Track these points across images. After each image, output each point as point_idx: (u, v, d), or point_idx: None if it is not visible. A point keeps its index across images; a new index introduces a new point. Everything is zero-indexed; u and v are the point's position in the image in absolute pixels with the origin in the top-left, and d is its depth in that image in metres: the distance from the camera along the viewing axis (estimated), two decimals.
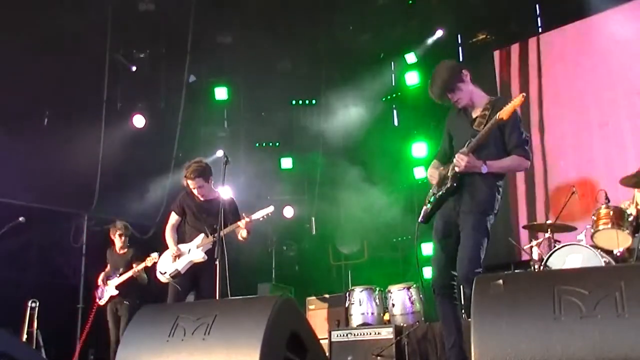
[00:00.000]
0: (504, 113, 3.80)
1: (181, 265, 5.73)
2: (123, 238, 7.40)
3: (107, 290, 7.22)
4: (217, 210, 5.35)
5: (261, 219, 5.64)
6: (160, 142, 10.15)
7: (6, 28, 8.07)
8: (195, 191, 5.74)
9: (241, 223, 5.47)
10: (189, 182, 5.69)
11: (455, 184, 3.97)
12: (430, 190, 4.25)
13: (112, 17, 9.34)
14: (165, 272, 5.84)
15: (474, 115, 4.09)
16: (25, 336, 7.13)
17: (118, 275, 7.20)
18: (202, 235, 5.70)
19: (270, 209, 5.58)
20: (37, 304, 7.30)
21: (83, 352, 8.21)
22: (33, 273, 8.93)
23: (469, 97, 4.17)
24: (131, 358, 3.04)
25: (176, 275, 5.72)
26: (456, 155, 3.93)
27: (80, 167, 8.93)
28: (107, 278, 7.30)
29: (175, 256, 5.78)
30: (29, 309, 7.30)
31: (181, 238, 5.94)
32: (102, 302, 7.26)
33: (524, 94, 3.86)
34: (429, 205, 4.17)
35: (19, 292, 7.91)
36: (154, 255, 6.90)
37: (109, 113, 9.59)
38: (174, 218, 5.98)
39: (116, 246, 7.45)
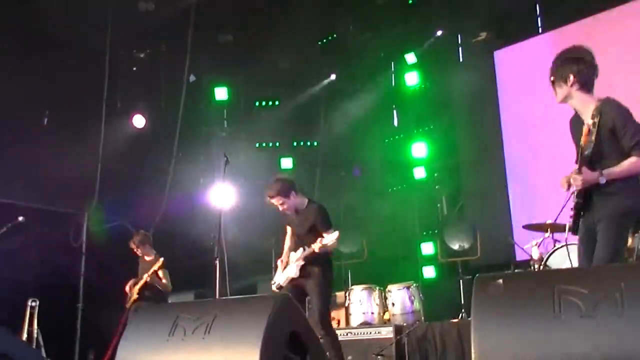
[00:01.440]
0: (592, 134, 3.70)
1: (282, 279, 5.66)
2: (141, 247, 7.55)
3: (132, 294, 7.41)
4: (304, 222, 5.49)
5: (329, 244, 5.49)
6: (160, 142, 10.14)
7: (6, 28, 8.07)
8: (280, 209, 5.65)
9: (315, 246, 5.37)
10: (272, 202, 5.62)
11: (581, 200, 3.85)
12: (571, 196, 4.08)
13: (112, 16, 9.34)
14: (275, 283, 5.81)
15: (584, 124, 3.84)
16: (25, 335, 7.12)
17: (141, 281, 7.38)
18: (300, 249, 5.57)
19: (335, 234, 5.42)
20: (37, 303, 7.29)
21: (82, 352, 8.22)
22: (33, 273, 8.92)
23: (580, 103, 3.97)
24: (131, 357, 3.04)
25: (279, 288, 5.67)
26: (572, 176, 3.80)
27: (80, 167, 8.92)
28: (135, 285, 7.44)
29: (283, 267, 5.72)
30: (28, 308, 7.29)
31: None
32: (127, 306, 7.44)
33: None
34: (571, 220, 4.04)
35: (18, 292, 7.91)
36: (159, 261, 7.17)
37: (109, 113, 9.58)
38: (288, 231, 5.91)
39: (143, 255, 7.62)
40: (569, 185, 3.89)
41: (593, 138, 3.69)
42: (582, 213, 3.90)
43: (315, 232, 5.46)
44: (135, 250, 7.58)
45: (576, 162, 3.90)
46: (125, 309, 7.45)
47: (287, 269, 5.60)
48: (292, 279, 5.53)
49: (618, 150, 3.72)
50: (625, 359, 2.35)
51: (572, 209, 3.96)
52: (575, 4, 8.82)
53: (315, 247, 5.30)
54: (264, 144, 11.32)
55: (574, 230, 3.99)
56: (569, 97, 3.95)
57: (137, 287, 7.34)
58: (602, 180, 3.66)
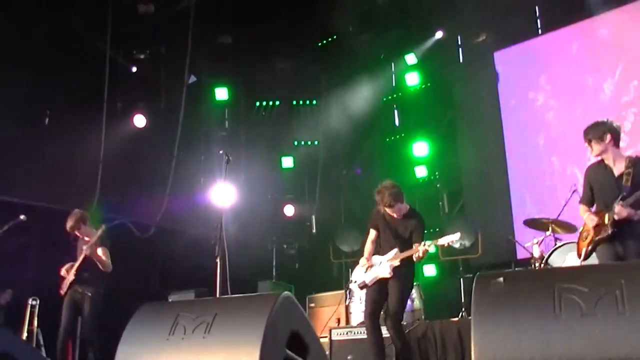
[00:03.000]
0: None
1: (369, 277, 5.76)
2: (82, 227, 6.64)
3: (69, 277, 6.55)
4: (407, 228, 5.68)
5: (446, 245, 5.74)
6: (161, 141, 10.14)
7: (7, 28, 8.08)
8: (394, 214, 5.78)
9: (421, 248, 5.52)
10: (387, 210, 5.76)
11: (615, 229, 4.68)
12: (585, 232, 5.04)
13: (112, 17, 9.34)
14: (356, 282, 5.99)
15: (616, 172, 4.79)
16: (25, 334, 7.11)
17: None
18: (395, 250, 5.69)
19: (457, 236, 5.64)
20: (38, 302, 7.27)
21: (82, 351, 8.21)
22: (33, 272, 8.93)
23: (612, 155, 4.86)
24: (131, 356, 3.03)
25: (363, 286, 5.79)
26: (617, 206, 4.64)
27: (81, 166, 8.93)
28: (72, 267, 6.60)
29: (367, 267, 5.83)
30: (29, 307, 7.27)
31: (377, 251, 5.93)
32: (62, 292, 6.58)
33: None
34: (589, 246, 4.93)
35: (19, 291, 7.92)
36: (102, 227, 6.42)
37: (109, 113, 9.58)
38: (372, 234, 5.98)
39: (79, 237, 6.75)
40: (600, 222, 4.79)
41: (629, 184, 4.64)
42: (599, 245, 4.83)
43: (410, 239, 5.67)
44: (75, 233, 6.68)
45: (580, 202, 5.05)
46: (60, 295, 6.61)
47: (377, 269, 5.73)
48: (381, 279, 5.67)
49: None
50: (626, 357, 2.35)
51: (596, 239, 4.83)
52: (574, 6, 8.82)
53: (421, 249, 5.50)
54: (264, 143, 11.32)
55: (586, 257, 4.94)
56: (604, 152, 4.85)
57: (75, 267, 6.47)
58: (637, 217, 4.63)
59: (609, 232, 4.70)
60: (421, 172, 10.58)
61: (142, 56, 10.22)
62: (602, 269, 3.10)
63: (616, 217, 4.66)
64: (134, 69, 10.18)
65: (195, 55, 10.06)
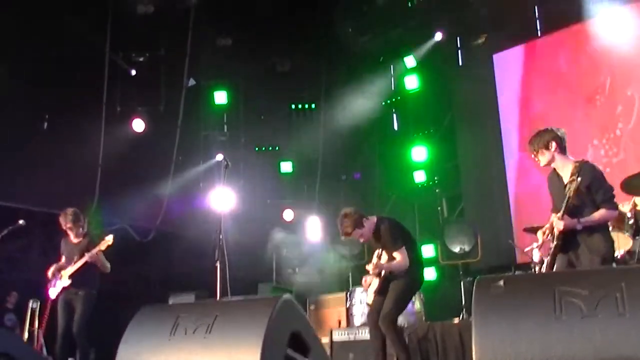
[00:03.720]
0: (572, 191, 4.44)
1: (369, 296, 5.81)
2: (75, 228, 6.55)
3: (60, 281, 6.43)
4: (381, 241, 5.62)
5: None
6: (160, 145, 10.14)
7: (6, 31, 8.09)
8: (361, 239, 5.82)
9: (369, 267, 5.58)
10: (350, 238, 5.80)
11: (559, 242, 4.59)
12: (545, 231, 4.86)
13: (111, 20, 9.35)
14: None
15: (564, 179, 4.63)
16: (26, 335, 7.12)
17: (73, 264, 6.42)
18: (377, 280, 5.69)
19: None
20: (39, 304, 7.28)
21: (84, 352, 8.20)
22: (34, 274, 8.94)
23: (561, 163, 4.71)
24: (132, 356, 3.03)
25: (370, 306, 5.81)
26: (554, 220, 4.58)
27: (80, 170, 8.93)
28: (60, 270, 6.49)
29: (368, 284, 5.83)
30: (30, 309, 7.28)
31: None
32: (53, 295, 6.47)
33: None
34: (549, 259, 4.77)
35: (20, 293, 7.92)
36: (109, 237, 6.31)
37: (108, 117, 9.58)
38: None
39: (70, 236, 6.66)
40: (550, 231, 4.69)
41: (571, 193, 4.47)
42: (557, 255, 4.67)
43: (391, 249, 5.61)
44: (66, 228, 6.57)
45: (552, 211, 4.78)
46: (49, 298, 6.53)
47: (372, 286, 5.74)
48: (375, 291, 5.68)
49: (591, 203, 4.54)
50: (627, 358, 2.35)
51: (552, 249, 4.70)
52: (573, 8, 8.83)
53: (370, 267, 5.55)
54: (263, 148, 11.32)
55: (551, 266, 4.76)
56: (552, 160, 4.71)
57: (70, 271, 6.36)
58: (579, 227, 4.50)
59: (554, 244, 4.62)
60: (420, 177, 10.58)
61: (141, 59, 10.22)
62: (602, 272, 3.10)
63: (556, 232, 4.59)
64: (133, 72, 10.18)
65: (194, 58, 10.07)
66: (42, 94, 8.68)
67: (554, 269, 4.67)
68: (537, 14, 9.76)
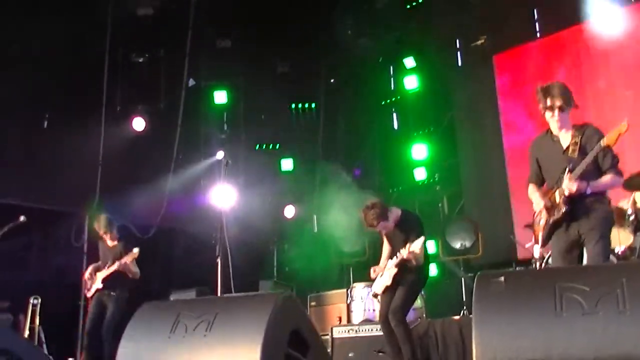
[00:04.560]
0: (610, 140, 4.05)
1: (377, 287, 5.87)
2: (109, 233, 7.13)
3: (95, 283, 6.95)
4: (402, 233, 5.65)
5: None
6: (160, 144, 10.14)
7: (6, 31, 8.08)
8: (383, 231, 5.86)
9: (402, 252, 5.57)
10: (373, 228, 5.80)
11: (568, 207, 4.20)
12: (538, 216, 4.54)
13: (111, 20, 9.34)
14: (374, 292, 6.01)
15: (563, 143, 4.29)
16: (27, 332, 7.14)
17: (106, 268, 6.96)
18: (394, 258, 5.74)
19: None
20: (39, 300, 7.30)
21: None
22: (35, 272, 8.95)
23: (566, 121, 4.32)
24: (132, 354, 3.03)
25: (375, 296, 5.91)
26: (565, 181, 4.15)
27: (80, 168, 8.93)
28: (97, 271, 7.05)
29: (377, 274, 5.90)
30: (30, 305, 7.30)
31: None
32: (89, 295, 7.03)
33: (627, 120, 4.04)
34: (544, 231, 4.42)
35: (21, 290, 7.92)
36: (135, 250, 6.83)
37: (108, 116, 9.58)
38: (385, 243, 6.06)
39: (106, 240, 7.22)
40: (550, 206, 4.33)
41: (576, 155, 4.18)
42: (558, 226, 4.32)
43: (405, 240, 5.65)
44: (102, 234, 7.17)
45: (528, 180, 4.61)
46: (86, 297, 7.04)
47: (382, 278, 5.79)
48: (387, 287, 5.72)
49: (596, 169, 4.24)
50: (628, 355, 2.35)
51: (544, 218, 4.39)
52: (572, 9, 8.82)
53: (404, 252, 5.50)
54: (264, 146, 11.31)
55: (545, 243, 4.45)
56: (563, 120, 4.30)
57: (104, 274, 6.91)
58: (589, 191, 4.15)
59: (563, 210, 4.22)
60: (420, 174, 10.58)
61: (141, 59, 10.21)
62: (603, 269, 3.10)
63: (566, 193, 4.17)
64: (133, 72, 10.17)
65: (194, 58, 10.06)
66: (43, 93, 8.67)
67: (553, 251, 4.41)
68: (536, 15, 9.75)
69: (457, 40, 10.74)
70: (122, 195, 9.02)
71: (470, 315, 2.99)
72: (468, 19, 10.04)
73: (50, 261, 7.32)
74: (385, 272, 5.78)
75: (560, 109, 4.22)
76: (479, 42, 10.31)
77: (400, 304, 5.54)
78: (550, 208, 4.34)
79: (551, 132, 4.37)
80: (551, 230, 4.36)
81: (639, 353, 2.34)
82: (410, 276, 5.65)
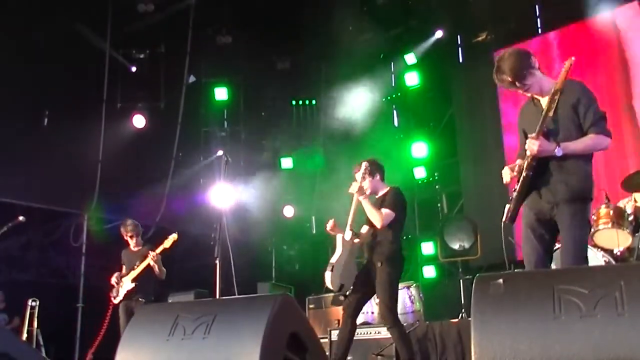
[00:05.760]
0: (559, 83, 3.59)
1: (337, 250, 5.58)
2: (135, 237, 7.19)
3: (123, 287, 6.93)
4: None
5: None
6: (160, 142, 10.15)
7: (7, 29, 8.08)
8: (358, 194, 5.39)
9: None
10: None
11: (531, 172, 3.67)
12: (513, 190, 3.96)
13: (112, 17, 9.34)
14: None
15: (544, 105, 3.71)
16: (25, 335, 7.13)
17: (135, 268, 6.93)
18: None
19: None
20: (37, 303, 7.29)
21: (82, 352, 8.22)
22: (33, 272, 8.94)
23: (539, 85, 3.81)
24: (131, 357, 3.03)
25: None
26: (527, 141, 3.63)
27: (80, 167, 8.93)
28: (122, 278, 7.02)
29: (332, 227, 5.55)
30: (29, 308, 7.29)
31: None
32: (116, 301, 6.98)
33: (573, 58, 3.61)
34: (511, 204, 3.89)
35: (19, 291, 7.92)
36: (174, 235, 6.81)
37: (108, 113, 9.58)
38: None
39: (130, 245, 7.25)
40: (518, 175, 3.78)
41: (551, 113, 3.60)
42: (525, 197, 3.78)
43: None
44: (127, 238, 7.20)
45: (517, 157, 3.90)
46: (110, 304, 7.02)
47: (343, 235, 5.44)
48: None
49: (577, 130, 3.67)
50: (626, 358, 2.35)
51: (515, 190, 3.80)
52: (574, 5, 8.83)
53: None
54: (264, 143, 11.31)
55: (513, 218, 3.89)
56: (537, 82, 3.82)
57: (133, 274, 6.89)
58: (559, 152, 3.57)
59: (524, 175, 3.68)
60: (420, 173, 10.58)
61: (141, 56, 10.23)
62: (601, 270, 3.10)
63: (529, 154, 3.61)
64: (134, 69, 10.18)
65: (194, 55, 10.07)
66: (43, 91, 8.67)
67: (523, 228, 3.95)
68: (537, 11, 9.76)
69: (458, 36, 10.75)
70: (121, 193, 9.03)
71: (469, 318, 2.98)
72: (469, 15, 10.05)
73: (48, 262, 7.31)
74: (347, 232, 5.35)
75: (512, 84, 3.77)
76: (480, 38, 10.32)
77: (387, 306, 5.10)
78: (519, 178, 3.79)
79: (533, 97, 3.89)
80: (518, 201, 3.82)
81: (637, 356, 2.34)
82: (383, 273, 5.22)
